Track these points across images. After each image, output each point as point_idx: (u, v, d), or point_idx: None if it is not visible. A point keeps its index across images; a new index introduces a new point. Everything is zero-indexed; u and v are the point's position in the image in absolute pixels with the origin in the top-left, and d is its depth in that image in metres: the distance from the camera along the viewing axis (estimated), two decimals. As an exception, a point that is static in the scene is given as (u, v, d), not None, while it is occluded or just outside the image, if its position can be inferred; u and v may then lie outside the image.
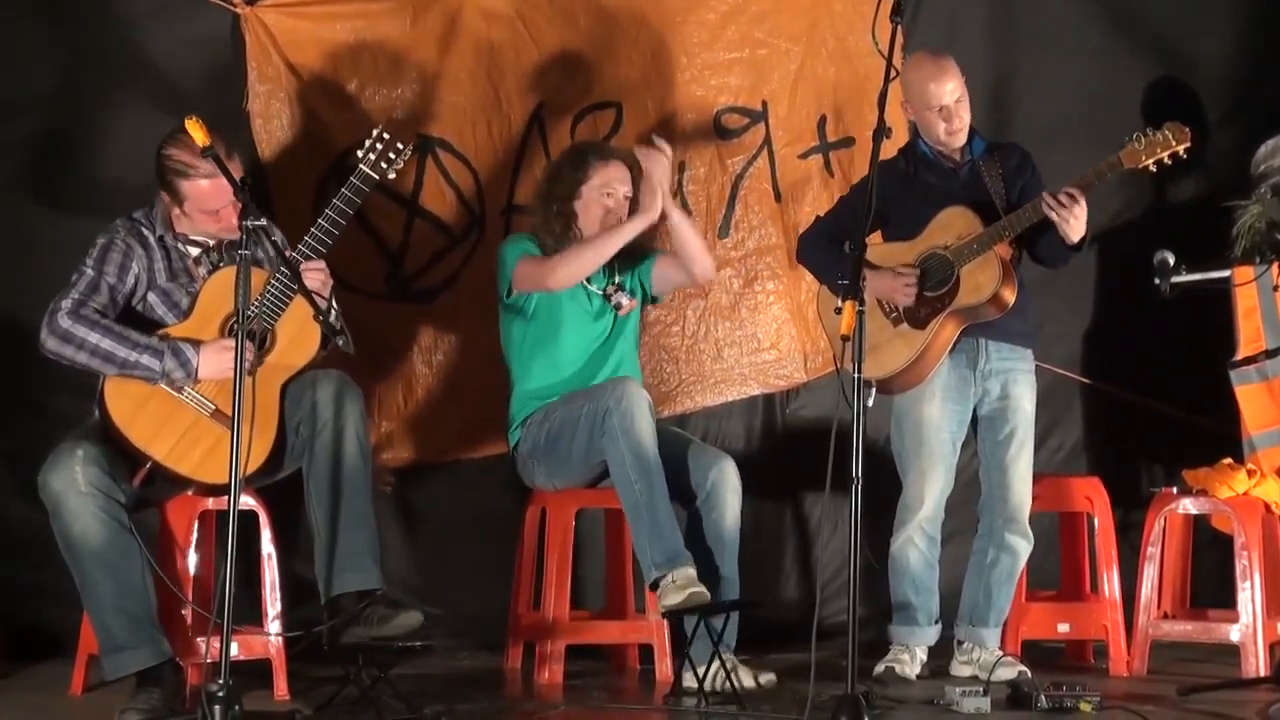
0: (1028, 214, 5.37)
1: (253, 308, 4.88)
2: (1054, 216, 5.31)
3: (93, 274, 4.97)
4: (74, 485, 4.73)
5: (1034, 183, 5.55)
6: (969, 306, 5.45)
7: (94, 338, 4.88)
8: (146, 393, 4.90)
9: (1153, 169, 5.33)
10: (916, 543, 5.54)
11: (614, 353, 5.63)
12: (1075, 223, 5.31)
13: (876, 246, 5.58)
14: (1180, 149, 5.29)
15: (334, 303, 5.12)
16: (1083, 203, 5.30)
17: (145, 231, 5.06)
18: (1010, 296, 5.43)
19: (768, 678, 5.21)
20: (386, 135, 5.15)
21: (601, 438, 5.26)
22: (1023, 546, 5.56)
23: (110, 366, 4.88)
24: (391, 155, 5.14)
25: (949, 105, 5.49)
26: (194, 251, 5.09)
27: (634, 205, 5.55)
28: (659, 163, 5.48)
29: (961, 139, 5.56)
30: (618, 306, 5.62)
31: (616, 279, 5.65)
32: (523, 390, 5.61)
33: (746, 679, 5.16)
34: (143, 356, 4.87)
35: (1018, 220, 5.38)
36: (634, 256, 5.66)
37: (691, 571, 5.14)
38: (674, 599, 5.09)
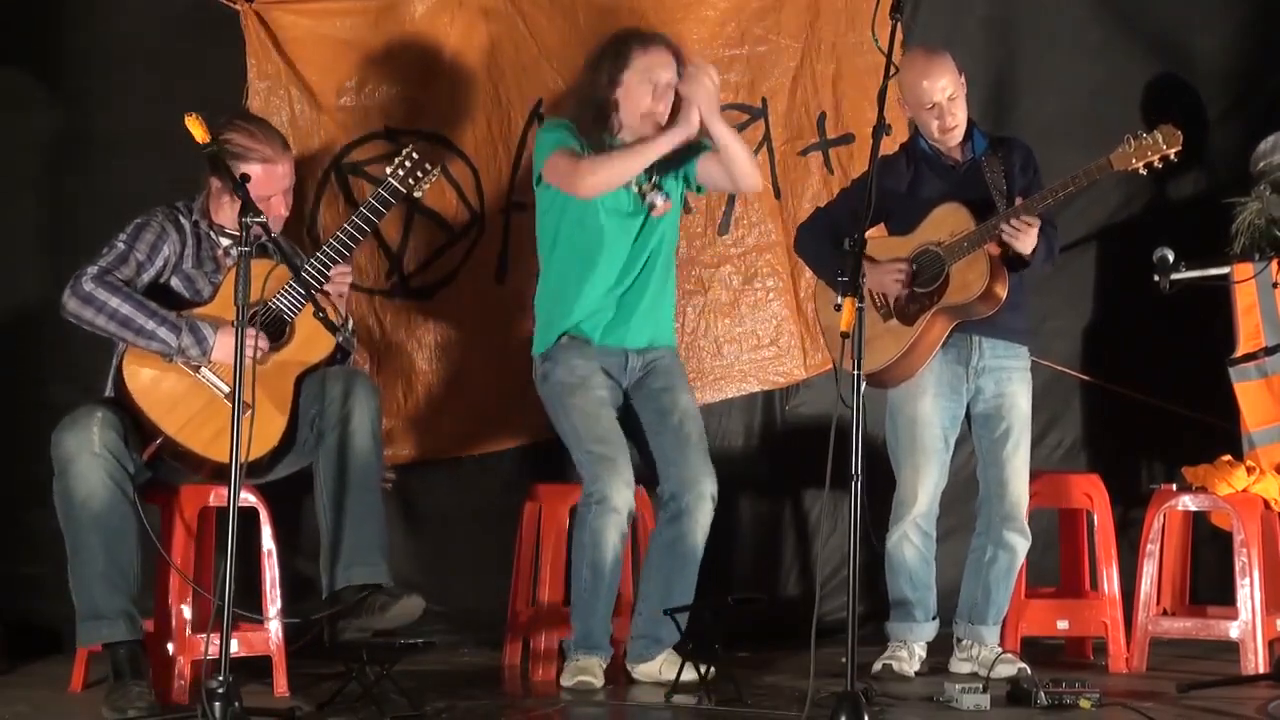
0: (1020, 213, 5.36)
1: (276, 299, 4.93)
2: (1007, 240, 5.34)
3: (124, 248, 5.01)
4: (89, 444, 4.75)
5: (1036, 184, 5.54)
6: (957, 305, 5.45)
7: (114, 302, 4.91)
8: (163, 370, 4.94)
9: (1143, 172, 5.33)
10: (911, 538, 5.55)
11: (647, 254, 5.43)
12: (1019, 243, 5.35)
13: (873, 240, 5.57)
14: (1171, 152, 5.28)
15: (348, 318, 5.17)
16: (1030, 227, 5.32)
17: (182, 219, 5.11)
18: (1001, 294, 5.43)
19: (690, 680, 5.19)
20: (416, 155, 5.22)
21: (581, 506, 5.31)
22: (1020, 544, 5.56)
23: (127, 332, 4.90)
24: (419, 174, 5.22)
25: (941, 103, 5.48)
26: (225, 242, 5.12)
27: (674, 114, 5.36)
28: (699, 83, 5.29)
29: (957, 136, 5.55)
30: (651, 207, 5.42)
31: (654, 178, 5.44)
32: (546, 289, 5.48)
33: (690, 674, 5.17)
34: (160, 328, 4.90)
35: (1008, 219, 5.37)
36: (676, 156, 5.45)
37: (597, 662, 5.25)
38: (564, 679, 5.25)
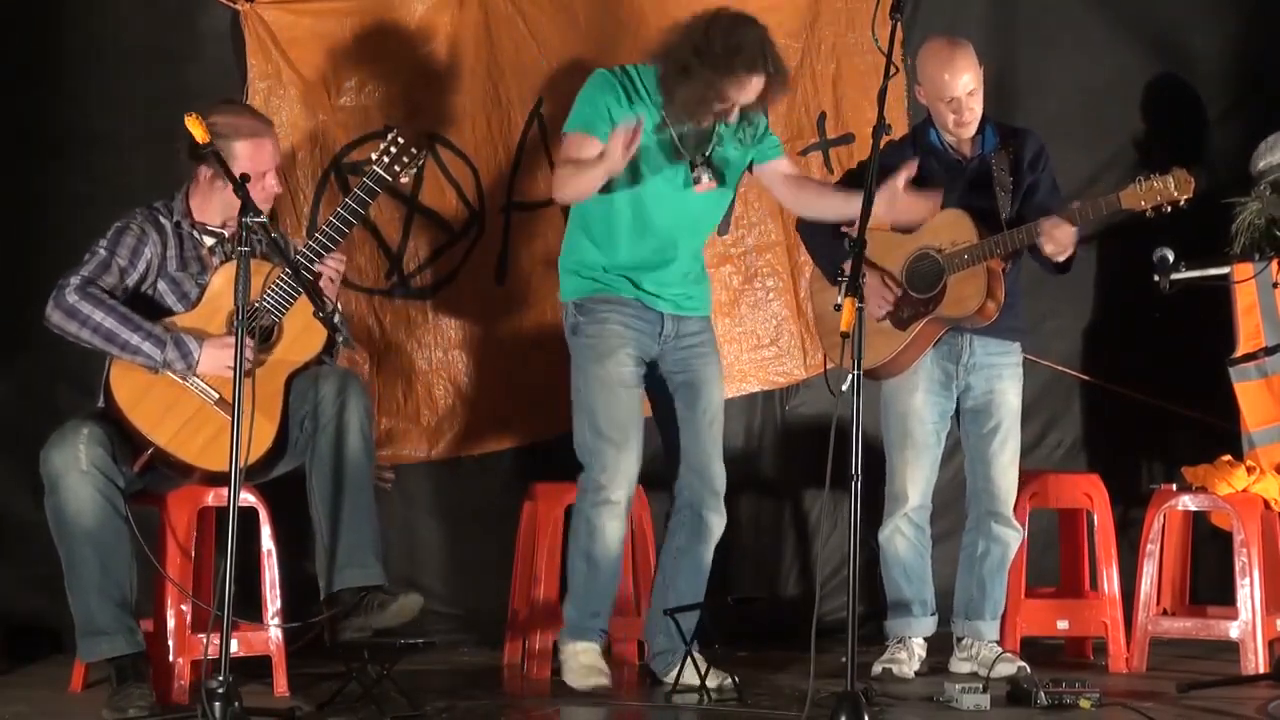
0: (1021, 236, 5.35)
1: (261, 301, 4.90)
2: (1047, 246, 5.32)
3: (105, 254, 4.98)
4: (76, 462, 4.74)
5: (1045, 178, 5.53)
6: (950, 317, 5.46)
7: (98, 316, 4.88)
8: (151, 378, 4.92)
9: (1150, 214, 5.28)
10: (904, 531, 5.56)
11: (686, 223, 5.26)
12: (1059, 247, 5.33)
13: (874, 233, 5.56)
14: (1181, 199, 5.22)
15: (337, 305, 5.15)
16: (1069, 231, 5.29)
17: (162, 219, 5.07)
18: (994, 311, 5.43)
19: (725, 683, 5.15)
20: (401, 140, 5.18)
21: (579, 494, 5.26)
22: (1011, 537, 5.57)
23: (112, 347, 4.89)
24: (405, 159, 5.17)
25: (960, 98, 5.43)
26: (209, 241, 5.10)
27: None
28: None
29: (971, 131, 5.52)
30: (695, 180, 5.22)
31: (710, 151, 5.22)
32: (577, 237, 5.29)
33: (710, 680, 5.13)
34: (144, 343, 4.88)
35: (1011, 240, 5.36)
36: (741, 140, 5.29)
37: (596, 651, 5.17)
38: (573, 679, 5.15)
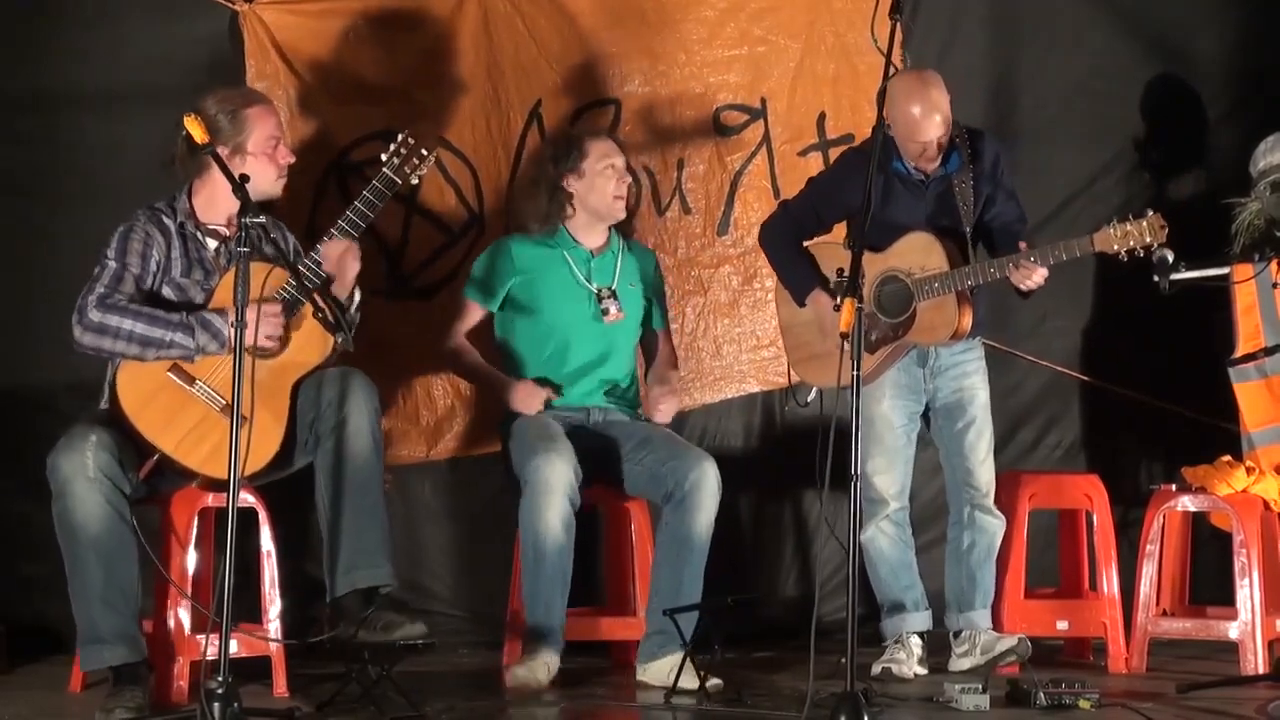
0: (992, 269, 5.37)
1: (273, 298, 4.89)
2: (1014, 279, 5.35)
3: (115, 265, 4.95)
4: (84, 469, 4.71)
5: (1003, 188, 5.52)
6: (920, 344, 5.49)
7: (128, 324, 4.87)
8: (157, 385, 4.89)
9: (1124, 258, 5.27)
10: (885, 530, 5.58)
11: (604, 343, 5.63)
12: (1028, 285, 5.37)
13: (841, 247, 5.57)
14: (1155, 244, 5.21)
15: (356, 293, 5.15)
16: (1042, 271, 5.33)
17: (165, 219, 5.05)
18: (967, 329, 5.45)
19: (714, 684, 5.16)
20: (411, 140, 5.16)
21: (523, 502, 5.31)
22: (995, 525, 5.59)
23: (148, 350, 4.87)
24: (415, 161, 5.15)
25: (929, 141, 5.39)
26: (212, 244, 5.08)
27: None
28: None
29: (936, 164, 5.47)
30: (604, 312, 5.62)
31: (614, 286, 5.65)
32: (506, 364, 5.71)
33: (693, 681, 5.13)
34: (176, 335, 4.87)
35: (982, 272, 5.36)
36: (652, 287, 5.77)
37: (542, 661, 5.19)
38: (521, 674, 5.18)
